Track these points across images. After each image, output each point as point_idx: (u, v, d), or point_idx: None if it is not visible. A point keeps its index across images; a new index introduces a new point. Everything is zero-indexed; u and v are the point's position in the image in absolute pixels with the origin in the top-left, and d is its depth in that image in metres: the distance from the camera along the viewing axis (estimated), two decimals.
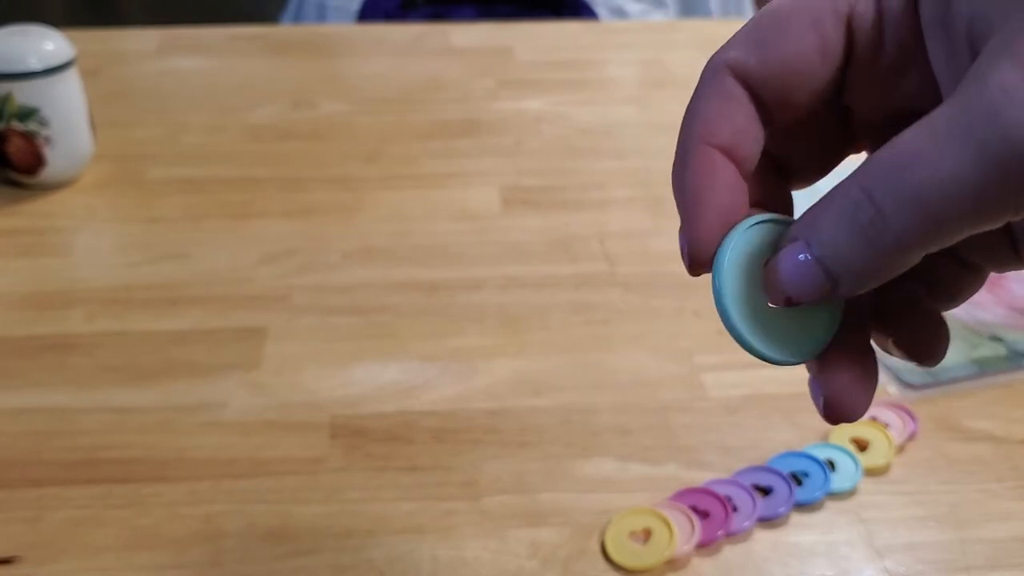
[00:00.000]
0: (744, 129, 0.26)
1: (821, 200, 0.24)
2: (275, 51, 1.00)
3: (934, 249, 0.22)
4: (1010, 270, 0.27)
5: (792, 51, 0.25)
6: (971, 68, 0.22)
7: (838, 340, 0.26)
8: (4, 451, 0.48)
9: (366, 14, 1.35)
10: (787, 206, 0.29)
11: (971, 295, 0.28)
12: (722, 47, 0.26)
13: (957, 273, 0.27)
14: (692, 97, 0.26)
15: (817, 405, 0.27)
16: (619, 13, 1.40)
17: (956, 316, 0.57)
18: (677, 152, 0.26)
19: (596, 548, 0.43)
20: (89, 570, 0.42)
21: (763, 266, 0.26)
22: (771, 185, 0.29)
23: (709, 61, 0.26)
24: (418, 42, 1.02)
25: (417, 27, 1.08)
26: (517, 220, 0.69)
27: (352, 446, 0.49)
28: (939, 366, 0.53)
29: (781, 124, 0.27)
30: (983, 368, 0.53)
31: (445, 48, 1.00)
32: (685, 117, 0.26)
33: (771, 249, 0.26)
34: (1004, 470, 0.48)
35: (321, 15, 1.42)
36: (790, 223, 0.25)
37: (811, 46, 0.25)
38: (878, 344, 0.28)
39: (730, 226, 0.26)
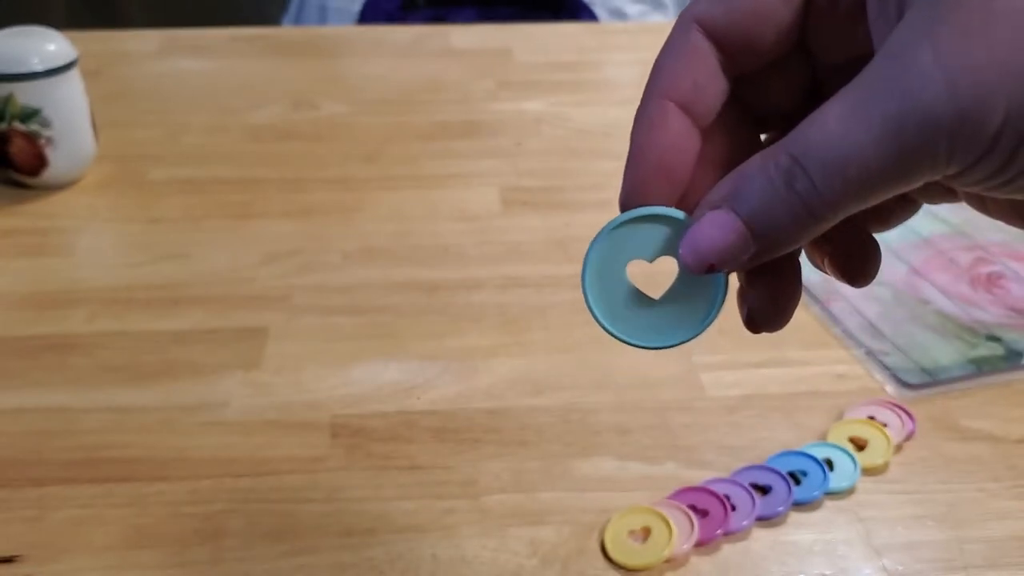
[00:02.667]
0: (704, 83, 0.27)
1: (738, 171, 0.25)
2: (276, 52, 1.00)
3: (861, 208, 0.24)
4: (943, 203, 0.29)
5: None
6: (891, 37, 0.23)
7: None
8: (5, 451, 0.48)
9: (367, 15, 1.36)
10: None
11: (904, 221, 0.31)
12: (692, 2, 0.27)
13: (893, 203, 0.29)
14: (660, 51, 0.28)
15: (741, 314, 0.29)
16: (618, 15, 1.40)
17: (954, 316, 0.57)
18: (639, 104, 0.28)
19: (595, 547, 0.43)
20: (91, 569, 0.42)
21: (631, 261, 0.28)
22: (747, 135, 0.30)
23: (679, 16, 0.28)
24: (418, 43, 1.02)
25: (417, 28, 1.08)
26: (517, 220, 0.69)
27: (353, 445, 0.49)
28: (937, 365, 0.53)
29: (749, 71, 0.28)
30: (981, 368, 0.54)
31: (445, 49, 1.01)
32: (651, 71, 0.28)
33: (646, 241, 0.28)
34: (1001, 469, 0.48)
35: (322, 17, 1.42)
36: (660, 216, 0.27)
37: None
38: (812, 262, 0.30)
39: (667, 177, 0.27)
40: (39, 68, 0.68)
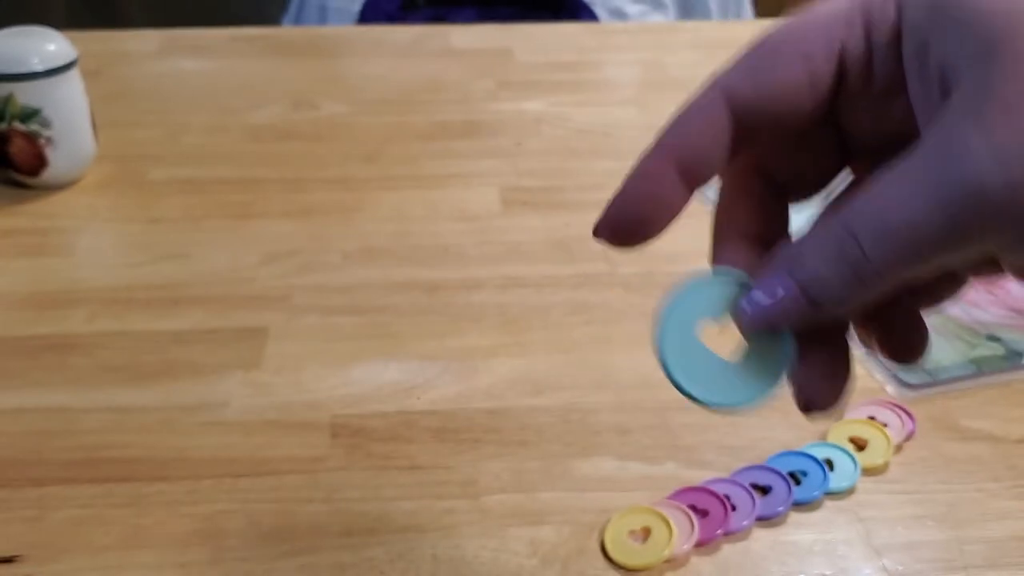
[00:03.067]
0: (707, 152, 0.28)
1: (800, 240, 0.27)
2: (276, 52, 1.00)
3: (912, 275, 0.25)
4: (989, 277, 0.30)
5: (781, 81, 0.28)
6: (939, 116, 0.24)
7: (814, 337, 0.29)
8: (5, 451, 0.48)
9: (367, 15, 1.36)
10: (783, 222, 0.31)
11: (951, 299, 0.31)
12: (725, 68, 0.28)
13: (939, 280, 0.30)
14: (681, 106, 0.29)
15: (793, 396, 0.29)
16: (618, 14, 1.40)
17: (954, 316, 0.57)
18: (644, 151, 0.29)
19: (595, 547, 0.43)
20: (90, 569, 0.42)
21: (700, 321, 0.29)
22: (769, 202, 0.31)
23: (711, 78, 0.28)
24: (418, 43, 1.02)
25: (417, 28, 1.08)
26: (517, 220, 0.69)
27: (353, 445, 0.49)
28: (937, 366, 0.53)
29: (770, 143, 0.29)
30: (981, 368, 0.54)
31: (445, 49, 1.01)
32: (667, 123, 0.29)
33: (719, 301, 0.29)
34: (1001, 469, 0.48)
35: (322, 17, 1.42)
36: (726, 277, 0.29)
37: (799, 78, 0.27)
38: (862, 342, 0.31)
39: (641, 225, 0.29)
40: (39, 68, 0.68)
